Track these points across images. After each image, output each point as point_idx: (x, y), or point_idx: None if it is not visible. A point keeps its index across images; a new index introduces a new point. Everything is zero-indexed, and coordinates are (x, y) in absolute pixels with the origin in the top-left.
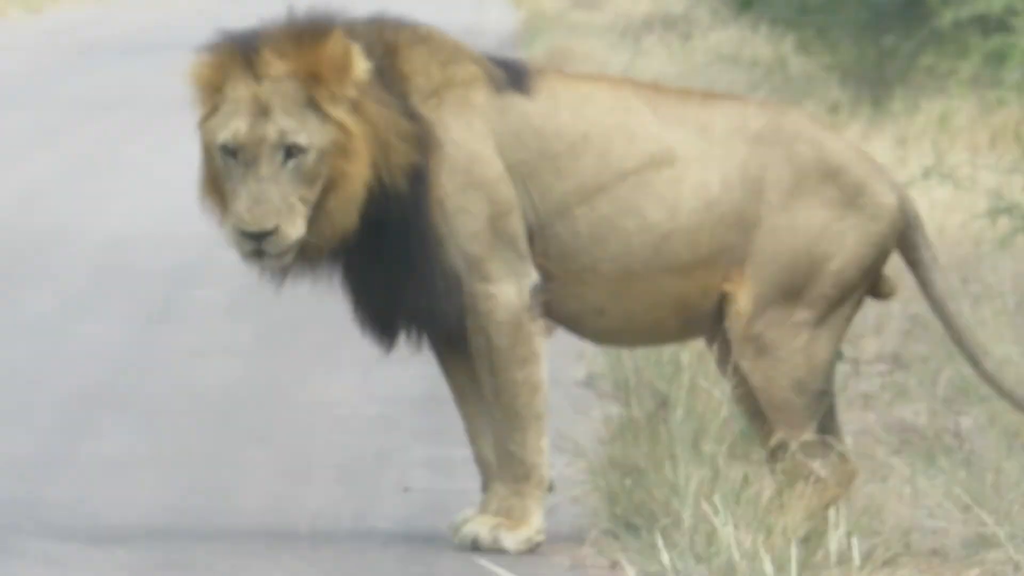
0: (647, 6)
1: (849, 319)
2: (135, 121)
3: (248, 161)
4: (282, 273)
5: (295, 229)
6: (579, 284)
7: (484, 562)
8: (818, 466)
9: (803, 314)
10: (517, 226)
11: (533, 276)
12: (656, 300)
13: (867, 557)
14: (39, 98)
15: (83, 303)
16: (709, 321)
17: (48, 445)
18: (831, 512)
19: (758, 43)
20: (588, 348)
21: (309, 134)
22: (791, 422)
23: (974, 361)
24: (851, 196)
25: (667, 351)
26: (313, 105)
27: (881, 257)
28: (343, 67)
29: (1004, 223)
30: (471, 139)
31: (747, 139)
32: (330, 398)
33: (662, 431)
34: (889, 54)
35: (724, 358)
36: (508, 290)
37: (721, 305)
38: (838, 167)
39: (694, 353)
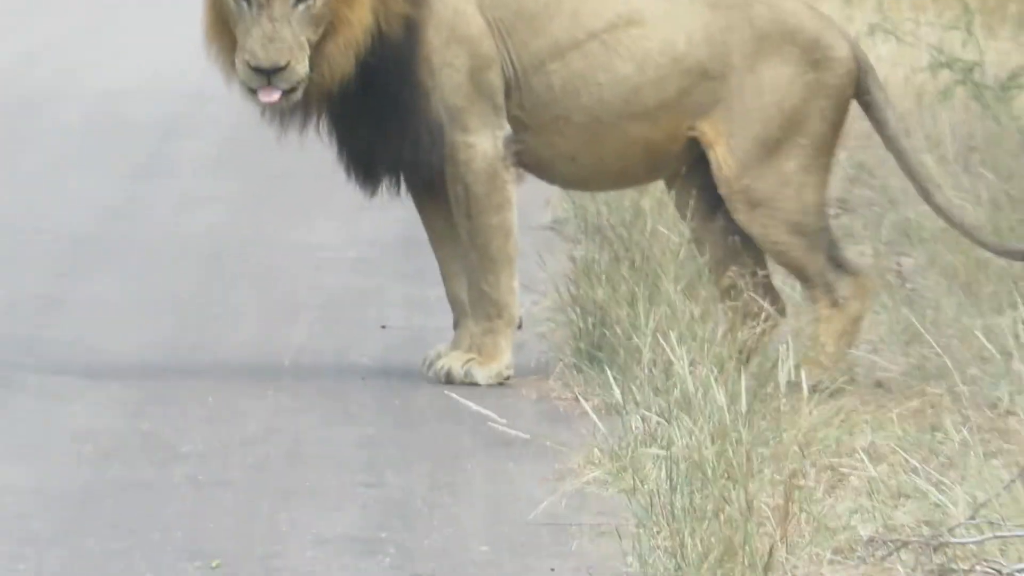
0: None
1: (829, 165)
2: None
3: (261, 2)
4: (284, 113)
5: (303, 66)
6: (553, 133)
7: (457, 395)
8: (842, 286)
9: (787, 164)
10: (495, 80)
11: (506, 128)
12: (625, 146)
13: (814, 389)
14: None
15: (77, 155)
16: (673, 163)
17: (45, 288)
18: (782, 346)
19: None
20: (554, 194)
21: None
22: (800, 261)
23: (926, 193)
24: (809, 52)
25: (628, 198)
26: None
27: (843, 105)
28: None
29: (945, 77)
30: None
31: (709, 3)
32: (313, 242)
33: (623, 271)
34: None
35: (683, 202)
36: (485, 141)
37: (686, 149)
38: (794, 26)
39: (654, 200)
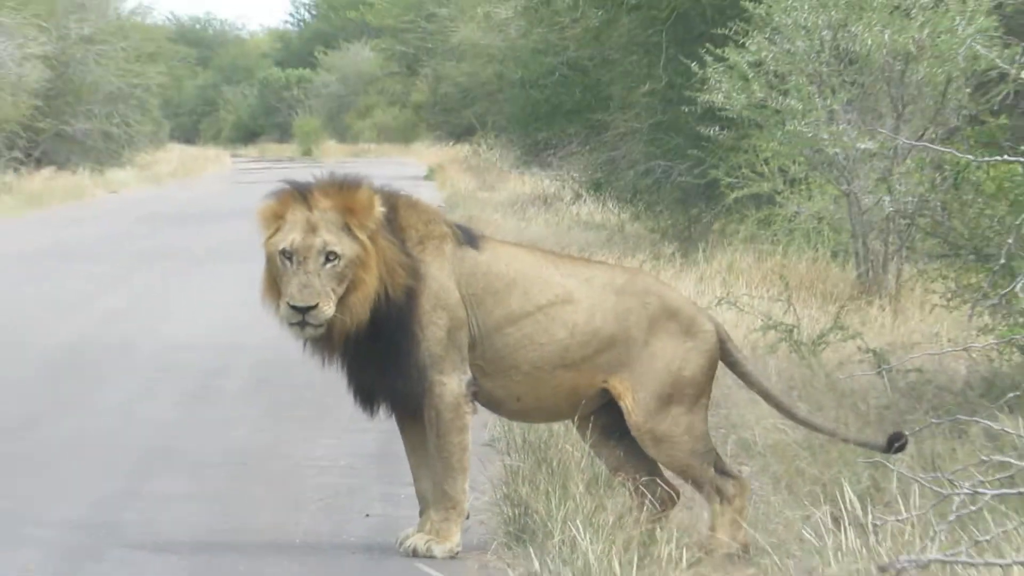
0: (530, 188)
1: (707, 404)
2: (180, 268)
3: (299, 261)
4: (314, 344)
5: (329, 308)
6: (504, 379)
7: (420, 564)
8: (729, 488)
9: (677, 409)
10: (464, 338)
11: (469, 374)
12: (557, 389)
13: (677, 561)
14: (116, 252)
15: (147, 390)
16: (589, 405)
17: (125, 484)
18: (658, 530)
19: (606, 213)
20: (491, 419)
21: (343, 247)
22: (697, 475)
23: (791, 415)
24: (687, 328)
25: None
26: (347, 229)
27: (713, 364)
28: (368, 207)
29: (771, 336)
30: (442, 275)
31: (615, 290)
32: (315, 453)
33: (540, 476)
34: (694, 221)
35: (584, 428)
36: (454, 381)
37: (598, 396)
38: (676, 309)
39: (561, 425)
